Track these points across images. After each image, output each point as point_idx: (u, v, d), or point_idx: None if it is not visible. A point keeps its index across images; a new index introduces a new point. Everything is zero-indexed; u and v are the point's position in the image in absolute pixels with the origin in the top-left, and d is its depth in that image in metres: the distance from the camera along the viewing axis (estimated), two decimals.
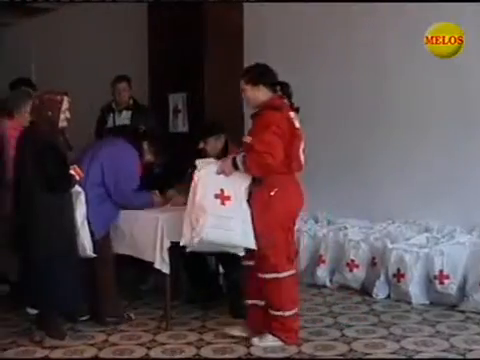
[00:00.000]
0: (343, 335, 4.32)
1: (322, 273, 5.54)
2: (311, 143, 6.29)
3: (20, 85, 5.52)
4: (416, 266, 4.96)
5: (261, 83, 4.13)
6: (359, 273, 5.35)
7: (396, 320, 4.59)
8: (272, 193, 4.02)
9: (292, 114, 4.11)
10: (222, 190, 4.00)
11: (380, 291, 5.15)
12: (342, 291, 5.40)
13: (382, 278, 5.15)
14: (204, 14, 6.44)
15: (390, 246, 5.13)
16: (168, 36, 6.63)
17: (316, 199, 6.21)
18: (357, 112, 6.02)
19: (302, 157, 4.17)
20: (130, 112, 5.99)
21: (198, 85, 6.47)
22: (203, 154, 4.96)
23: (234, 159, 4.02)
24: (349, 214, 5.87)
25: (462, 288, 4.79)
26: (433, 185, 5.48)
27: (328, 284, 5.52)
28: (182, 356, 4.04)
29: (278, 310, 4.09)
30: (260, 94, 4.14)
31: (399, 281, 5.01)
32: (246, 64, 6.76)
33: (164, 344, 4.23)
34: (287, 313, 4.08)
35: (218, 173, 4.04)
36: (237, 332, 4.30)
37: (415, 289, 4.96)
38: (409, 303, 4.95)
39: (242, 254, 4.14)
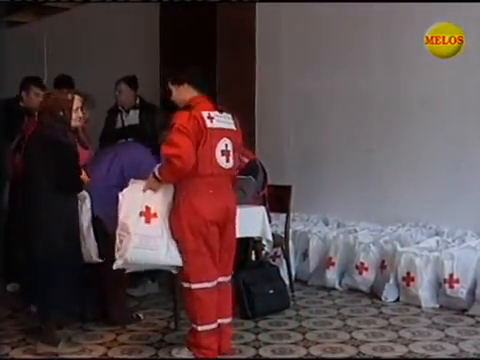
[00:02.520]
0: (352, 338, 4.31)
1: (331, 275, 5.52)
2: (323, 145, 6.39)
3: (30, 84, 5.55)
4: (426, 270, 4.95)
5: (185, 82, 3.93)
6: (368, 276, 5.34)
7: (405, 323, 4.58)
8: (181, 197, 3.81)
9: (205, 114, 3.81)
10: (148, 207, 3.80)
11: (389, 294, 5.13)
12: (351, 294, 5.38)
13: (391, 281, 5.13)
14: (217, 14, 6.45)
15: (400, 249, 5.11)
16: (180, 36, 6.64)
17: (326, 201, 6.26)
18: (368, 114, 6.02)
19: (220, 160, 3.84)
20: (137, 111, 5.98)
21: (210, 85, 6.47)
22: None
23: (154, 173, 3.85)
24: (359, 217, 5.87)
25: (472, 292, 4.77)
26: (444, 188, 5.47)
27: (337, 286, 5.51)
28: (190, 356, 4.04)
29: (192, 322, 3.90)
30: (186, 94, 3.93)
31: (409, 284, 4.99)
32: (258, 64, 6.81)
33: (173, 344, 4.22)
34: (199, 328, 3.84)
35: (145, 190, 3.85)
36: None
37: (425, 293, 4.94)
38: (418, 307, 4.92)
39: (175, 272, 3.96)
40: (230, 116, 3.99)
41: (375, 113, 5.97)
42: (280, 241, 5.38)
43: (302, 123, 6.54)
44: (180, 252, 3.83)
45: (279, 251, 5.62)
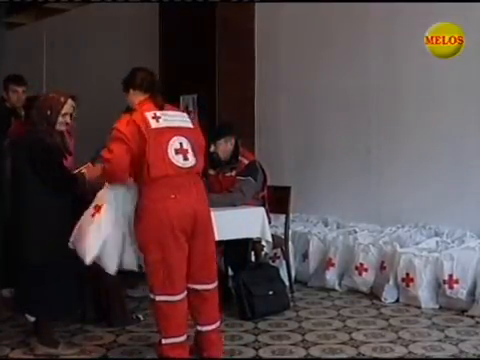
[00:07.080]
0: (351, 339, 4.30)
1: (331, 276, 5.52)
2: (322, 145, 6.38)
3: (8, 83, 5.53)
4: (425, 270, 4.94)
5: (130, 88, 3.85)
6: (368, 277, 5.34)
7: (405, 324, 4.57)
8: (141, 204, 3.66)
9: (149, 114, 3.67)
10: (98, 205, 3.73)
11: (389, 295, 5.13)
12: (351, 294, 5.38)
13: (391, 282, 5.13)
14: (216, 15, 6.46)
15: (399, 250, 5.11)
16: (180, 37, 6.65)
17: (326, 202, 6.26)
18: (367, 115, 6.02)
19: (174, 158, 3.63)
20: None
21: (209, 86, 6.49)
22: (215, 157, 4.98)
23: None
24: (359, 218, 5.86)
25: (472, 293, 4.77)
26: (443, 189, 5.47)
27: (337, 287, 5.51)
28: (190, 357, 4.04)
29: (158, 332, 3.77)
30: (135, 99, 3.83)
31: (408, 285, 4.99)
32: (257, 64, 6.81)
33: None
34: (163, 340, 3.68)
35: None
36: None
37: (424, 293, 4.94)
38: (418, 307, 4.92)
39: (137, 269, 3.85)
40: (185, 115, 3.90)
41: (374, 114, 5.97)
42: (280, 242, 5.38)
43: (301, 123, 6.53)
44: (144, 263, 3.72)
45: (279, 252, 5.61)
